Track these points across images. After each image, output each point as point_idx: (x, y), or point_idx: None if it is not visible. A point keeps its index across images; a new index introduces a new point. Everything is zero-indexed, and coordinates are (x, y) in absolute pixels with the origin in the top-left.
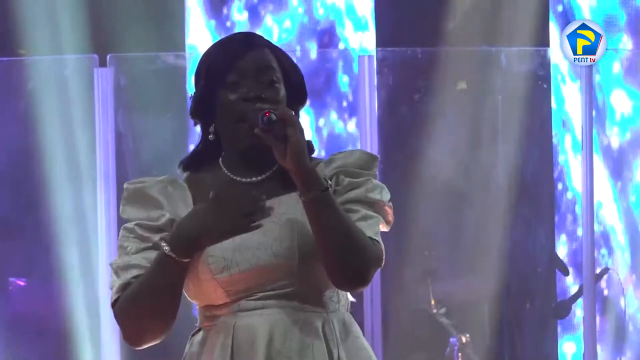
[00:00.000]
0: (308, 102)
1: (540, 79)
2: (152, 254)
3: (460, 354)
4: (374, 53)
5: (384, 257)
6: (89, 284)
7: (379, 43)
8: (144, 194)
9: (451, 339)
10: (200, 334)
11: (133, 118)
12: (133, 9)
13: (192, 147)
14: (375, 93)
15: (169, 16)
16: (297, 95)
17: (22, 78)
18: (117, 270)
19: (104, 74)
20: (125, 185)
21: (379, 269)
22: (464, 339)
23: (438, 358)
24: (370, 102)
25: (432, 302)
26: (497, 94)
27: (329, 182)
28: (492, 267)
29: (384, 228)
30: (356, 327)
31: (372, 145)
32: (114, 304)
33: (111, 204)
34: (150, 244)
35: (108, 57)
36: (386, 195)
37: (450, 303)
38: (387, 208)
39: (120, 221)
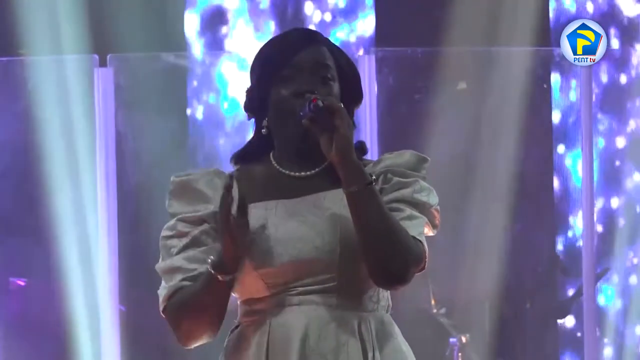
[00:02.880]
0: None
1: (540, 79)
2: (193, 252)
3: (460, 354)
4: (374, 53)
5: (425, 258)
6: (89, 284)
7: (379, 43)
8: (190, 187)
9: (451, 339)
10: (239, 329)
11: (133, 118)
12: (133, 9)
13: (191, 148)
14: (375, 93)
15: (169, 16)
16: (353, 94)
17: (22, 78)
18: (162, 274)
19: (104, 74)
20: (171, 179)
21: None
22: (464, 339)
23: (438, 358)
24: (370, 102)
25: (432, 302)
26: (497, 94)
27: (374, 177)
28: (492, 267)
29: (429, 232)
30: (395, 329)
31: (372, 145)
32: (163, 310)
33: (111, 204)
34: (189, 240)
35: (108, 57)
36: (434, 199)
37: (450, 303)
38: (433, 211)
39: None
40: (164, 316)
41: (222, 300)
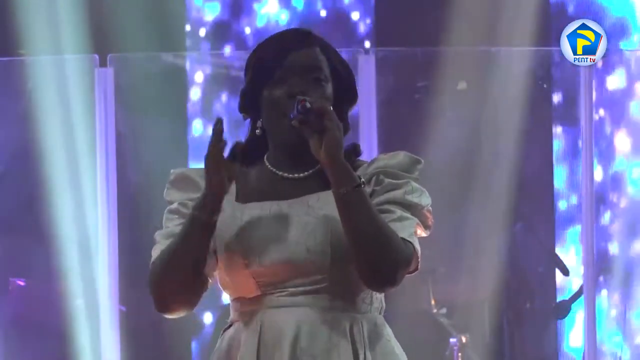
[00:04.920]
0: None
1: (540, 79)
2: None
3: (460, 354)
4: (373, 53)
5: (417, 260)
6: (89, 284)
7: (379, 43)
8: (188, 178)
9: (451, 339)
10: (230, 330)
11: (133, 118)
12: (133, 8)
13: (191, 148)
14: (375, 93)
15: (169, 16)
16: (347, 95)
17: (22, 78)
18: (158, 238)
19: (104, 74)
20: (171, 171)
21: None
22: (464, 339)
23: (438, 358)
24: (370, 102)
25: (432, 302)
26: (497, 93)
27: (363, 180)
28: (492, 267)
29: (422, 233)
30: (388, 331)
31: (371, 146)
32: (151, 264)
33: (111, 204)
34: None
35: (108, 57)
36: (426, 200)
37: (450, 303)
38: (425, 212)
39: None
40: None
41: (199, 255)
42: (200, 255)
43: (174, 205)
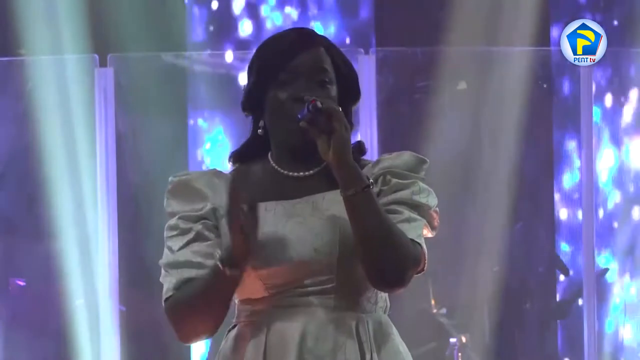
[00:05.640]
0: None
1: (540, 79)
2: (198, 246)
3: (460, 354)
4: (374, 53)
5: (424, 261)
6: (89, 284)
7: (379, 43)
8: (188, 186)
9: (451, 339)
10: (236, 329)
11: (133, 118)
12: (133, 9)
13: (190, 147)
14: (375, 93)
15: (169, 16)
16: (350, 94)
17: (22, 78)
18: (165, 268)
19: (104, 74)
20: (170, 179)
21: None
22: (464, 339)
23: (438, 358)
24: (370, 102)
25: (432, 302)
26: (497, 94)
27: (371, 180)
28: (492, 267)
29: (428, 233)
30: (393, 329)
31: (371, 146)
32: (166, 301)
33: (111, 204)
34: (193, 235)
35: (108, 57)
36: (433, 200)
37: (450, 303)
38: (432, 213)
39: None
40: (164, 306)
41: (226, 298)
42: (228, 300)
43: (174, 221)
